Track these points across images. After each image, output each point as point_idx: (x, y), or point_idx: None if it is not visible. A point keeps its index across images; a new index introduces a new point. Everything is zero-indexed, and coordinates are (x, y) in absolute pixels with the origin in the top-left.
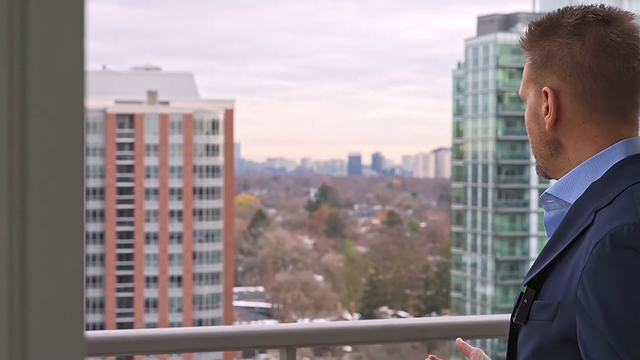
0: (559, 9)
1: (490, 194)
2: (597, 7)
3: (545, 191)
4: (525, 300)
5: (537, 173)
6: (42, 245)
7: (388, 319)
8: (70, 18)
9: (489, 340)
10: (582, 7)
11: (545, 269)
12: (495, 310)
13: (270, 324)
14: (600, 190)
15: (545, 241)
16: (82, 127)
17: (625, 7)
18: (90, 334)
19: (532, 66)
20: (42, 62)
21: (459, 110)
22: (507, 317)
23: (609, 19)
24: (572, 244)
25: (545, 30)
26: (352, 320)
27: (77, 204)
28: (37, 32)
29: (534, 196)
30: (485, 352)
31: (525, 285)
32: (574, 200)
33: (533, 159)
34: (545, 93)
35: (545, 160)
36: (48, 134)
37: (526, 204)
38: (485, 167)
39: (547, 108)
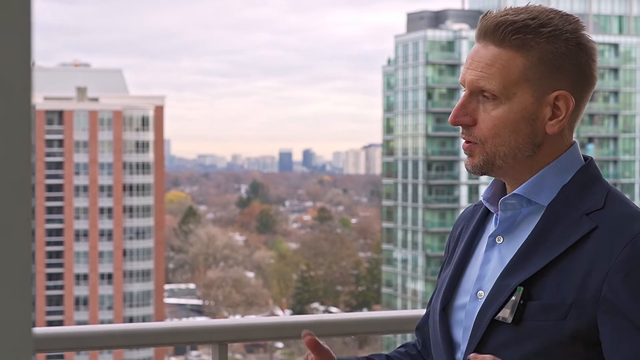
0: (541, 9)
1: (420, 190)
2: (572, 14)
3: (513, 192)
4: (522, 301)
5: (473, 170)
6: None
7: (320, 314)
8: (17, 15)
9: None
10: (571, 15)
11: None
12: (426, 305)
13: (201, 320)
14: (579, 193)
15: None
16: (30, 123)
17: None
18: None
19: (530, 67)
20: None
21: (389, 107)
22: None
23: (586, 29)
24: (572, 247)
25: (550, 34)
26: (284, 316)
27: (25, 199)
28: None
29: (463, 192)
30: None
31: (520, 286)
32: (547, 203)
33: (463, 155)
34: (557, 98)
35: (514, 161)
36: None
37: (456, 199)
38: (415, 163)
39: (553, 112)
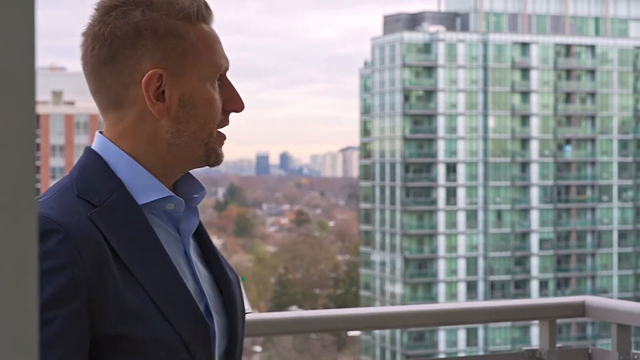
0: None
1: (398, 192)
2: None
3: (202, 186)
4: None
5: (218, 163)
6: None
7: (297, 311)
8: (22, 21)
9: (397, 333)
10: None
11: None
12: None
13: None
14: None
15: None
16: (33, 123)
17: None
18: None
19: None
20: None
21: (366, 109)
22: (416, 308)
23: None
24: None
25: None
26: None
27: (30, 197)
28: None
29: (441, 194)
30: (395, 349)
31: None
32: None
33: (440, 157)
34: None
35: None
36: (1, 131)
37: (434, 202)
38: (392, 166)
39: None
